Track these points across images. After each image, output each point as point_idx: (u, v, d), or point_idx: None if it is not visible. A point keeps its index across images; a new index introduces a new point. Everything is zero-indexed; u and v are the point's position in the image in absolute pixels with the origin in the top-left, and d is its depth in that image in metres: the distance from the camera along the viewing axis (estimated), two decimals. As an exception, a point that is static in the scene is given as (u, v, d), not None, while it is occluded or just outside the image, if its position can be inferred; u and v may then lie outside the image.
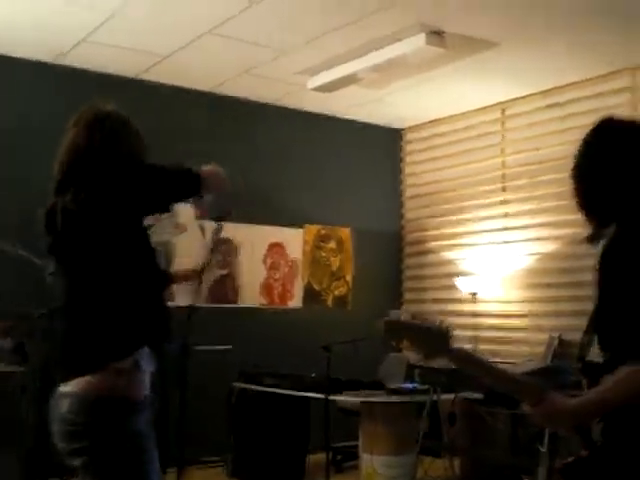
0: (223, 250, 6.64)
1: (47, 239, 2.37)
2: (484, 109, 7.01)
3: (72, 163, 2.39)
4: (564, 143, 6.03)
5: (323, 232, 7.33)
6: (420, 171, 7.74)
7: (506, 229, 6.80)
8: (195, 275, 2.81)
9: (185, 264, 3.54)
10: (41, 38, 5.50)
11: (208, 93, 6.67)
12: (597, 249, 1.94)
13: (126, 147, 2.47)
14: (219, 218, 2.72)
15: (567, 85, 6.28)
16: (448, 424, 5.53)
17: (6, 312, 4.73)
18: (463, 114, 7.20)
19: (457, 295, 6.91)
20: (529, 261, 6.57)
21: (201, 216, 2.81)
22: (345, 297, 7.40)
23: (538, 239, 6.50)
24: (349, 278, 7.45)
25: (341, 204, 7.42)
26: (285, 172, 7.09)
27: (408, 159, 7.89)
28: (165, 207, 2.51)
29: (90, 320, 2.28)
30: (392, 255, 7.75)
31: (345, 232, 7.45)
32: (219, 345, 5.88)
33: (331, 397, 5.27)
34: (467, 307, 6.74)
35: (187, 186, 2.46)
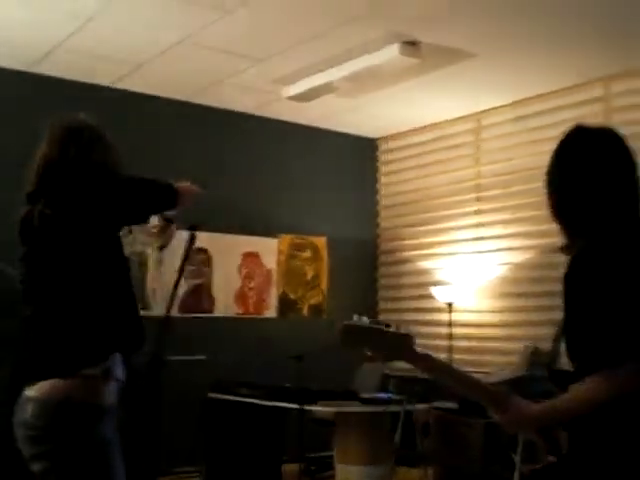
0: (198, 260, 6.61)
1: (22, 247, 2.36)
2: (459, 119, 7.05)
3: (46, 175, 2.39)
4: (537, 154, 6.06)
5: (298, 241, 7.32)
6: (395, 181, 7.76)
7: (480, 239, 6.84)
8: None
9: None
10: (14, 47, 5.46)
11: (183, 102, 6.65)
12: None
13: (101, 159, 2.48)
14: (192, 227, 2.73)
15: (541, 95, 6.33)
16: (422, 434, 5.53)
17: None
18: (438, 124, 7.24)
19: (433, 304, 6.93)
20: (503, 271, 6.61)
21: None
22: (320, 306, 7.39)
23: (512, 249, 6.55)
24: (324, 287, 7.44)
25: (316, 213, 7.42)
26: (260, 181, 7.07)
27: (383, 169, 7.91)
28: (143, 218, 2.58)
29: (62, 326, 2.28)
30: (367, 264, 7.76)
31: (320, 241, 7.45)
32: (193, 355, 5.84)
33: (306, 407, 5.26)
34: (443, 316, 6.76)
35: (164, 199, 2.54)
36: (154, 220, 2.74)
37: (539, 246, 6.25)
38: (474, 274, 6.80)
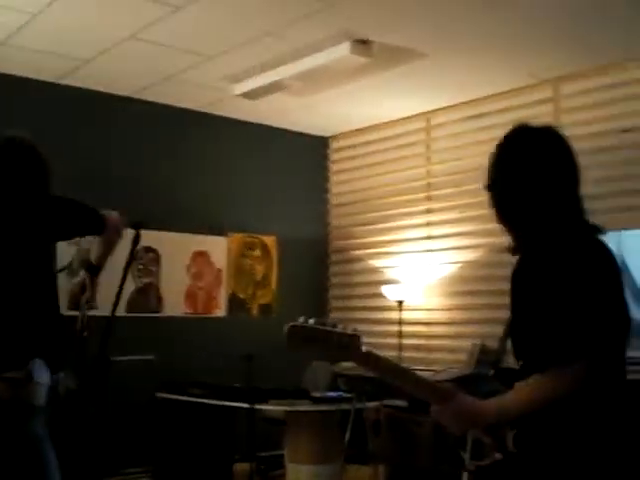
0: (146, 259, 6.53)
1: None
2: (409, 118, 7.08)
3: None
4: (487, 153, 6.09)
5: (248, 240, 7.28)
6: (346, 179, 7.77)
7: (430, 237, 6.89)
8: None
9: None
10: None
11: (131, 99, 6.56)
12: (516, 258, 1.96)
13: (29, 175, 2.54)
14: (136, 225, 2.74)
15: (491, 96, 6.39)
16: (373, 432, 5.55)
17: None
18: (389, 123, 7.26)
19: (383, 303, 6.95)
20: (452, 269, 6.67)
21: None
22: (270, 305, 7.36)
23: (461, 248, 6.60)
24: (274, 286, 7.42)
25: (266, 212, 7.39)
26: (209, 179, 7.02)
27: (334, 167, 7.92)
28: (67, 238, 2.69)
29: None
30: (318, 263, 7.75)
31: (270, 240, 7.42)
32: (142, 355, 5.77)
33: (256, 406, 5.24)
34: (393, 315, 6.79)
35: (92, 225, 2.70)
36: (79, 277, 2.83)
37: (488, 245, 6.32)
38: (424, 272, 6.85)
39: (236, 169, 7.21)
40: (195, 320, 6.83)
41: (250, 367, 5.17)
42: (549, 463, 1.82)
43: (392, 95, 6.49)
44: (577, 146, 2.03)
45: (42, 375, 2.41)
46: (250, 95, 6.21)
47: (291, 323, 1.80)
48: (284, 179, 7.52)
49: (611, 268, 1.86)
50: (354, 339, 1.82)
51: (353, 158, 7.69)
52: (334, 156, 7.92)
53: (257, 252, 7.34)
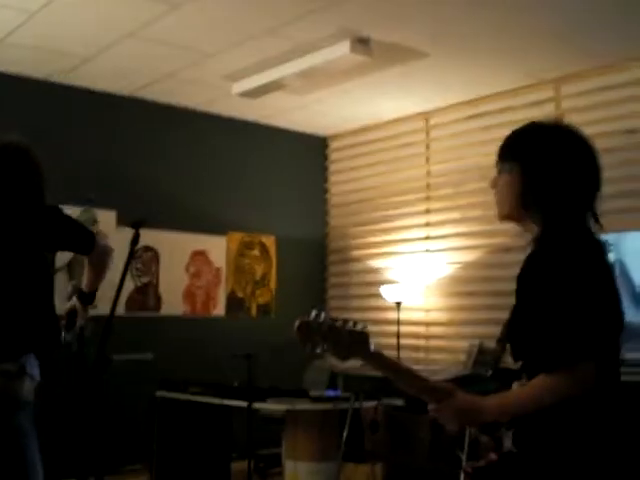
0: (145, 258, 6.53)
1: None
2: (409, 118, 7.08)
3: None
4: (487, 154, 6.08)
5: (247, 239, 7.28)
6: (345, 179, 7.77)
7: (429, 238, 6.89)
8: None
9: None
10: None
11: (130, 98, 6.55)
12: (520, 257, 1.95)
13: (23, 181, 2.61)
14: (136, 224, 2.74)
15: (491, 96, 6.38)
16: (370, 431, 5.56)
17: None
18: (388, 122, 7.26)
19: (381, 303, 6.95)
20: (451, 270, 6.68)
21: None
22: (269, 305, 7.37)
23: (460, 248, 6.60)
24: (273, 286, 7.42)
25: (265, 211, 7.39)
26: (209, 179, 7.02)
27: (333, 167, 7.92)
28: (52, 249, 2.73)
29: None
30: (316, 263, 7.76)
31: (269, 239, 7.42)
32: (141, 354, 5.77)
33: (254, 405, 5.24)
34: (391, 315, 6.79)
35: (80, 242, 2.68)
36: (71, 302, 2.85)
37: (487, 245, 6.33)
38: (423, 273, 6.85)
39: (235, 168, 7.21)
40: (194, 319, 6.83)
41: (249, 366, 5.17)
42: (548, 463, 1.82)
43: (391, 94, 6.49)
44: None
45: (34, 370, 2.47)
46: (249, 94, 6.21)
47: (302, 318, 1.81)
48: (283, 179, 7.52)
49: (609, 270, 1.88)
50: (363, 336, 1.84)
51: (352, 158, 7.69)
52: (333, 156, 7.92)
53: (256, 252, 7.34)
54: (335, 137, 7.87)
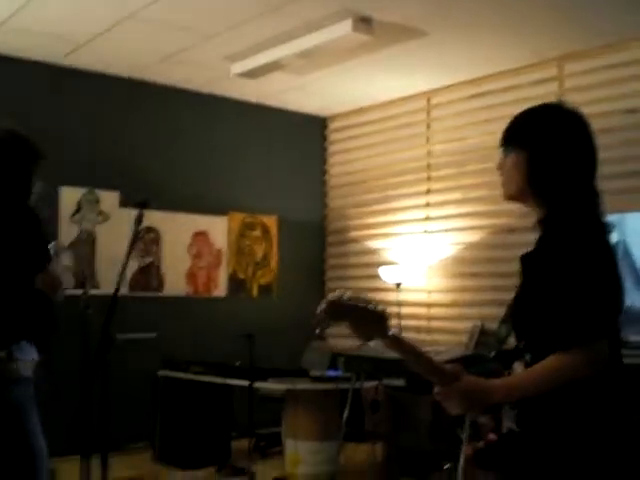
0: (147, 239, 6.54)
1: None
2: (409, 98, 7.04)
3: None
4: (490, 133, 6.09)
5: (248, 220, 7.28)
6: (345, 160, 7.75)
7: (430, 219, 6.87)
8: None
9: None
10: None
11: (131, 80, 6.53)
12: (525, 238, 1.96)
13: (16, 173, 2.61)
14: (141, 204, 2.74)
15: (493, 74, 6.34)
16: (371, 411, 5.59)
17: None
18: (388, 103, 7.23)
19: (381, 284, 6.95)
20: (453, 251, 6.67)
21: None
22: (270, 285, 7.38)
23: (462, 229, 6.58)
24: (274, 266, 7.43)
25: (266, 192, 7.39)
26: (210, 159, 7.01)
27: (333, 148, 7.89)
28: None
29: None
30: (316, 244, 7.76)
31: (270, 220, 7.42)
32: (144, 333, 5.80)
33: (255, 384, 5.27)
34: (391, 296, 6.80)
35: (35, 259, 2.61)
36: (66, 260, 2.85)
37: (490, 226, 6.31)
38: (423, 254, 6.85)
39: (236, 149, 7.20)
40: (196, 300, 6.85)
41: (250, 346, 5.20)
42: (553, 442, 1.83)
43: (392, 74, 6.46)
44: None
45: (26, 353, 2.53)
46: (249, 74, 6.18)
47: (328, 298, 1.86)
48: (283, 159, 7.51)
49: (614, 251, 1.90)
50: (384, 318, 1.88)
51: (352, 139, 7.67)
52: (332, 136, 7.89)
53: (257, 232, 7.34)
54: (335, 117, 7.84)
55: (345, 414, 5.00)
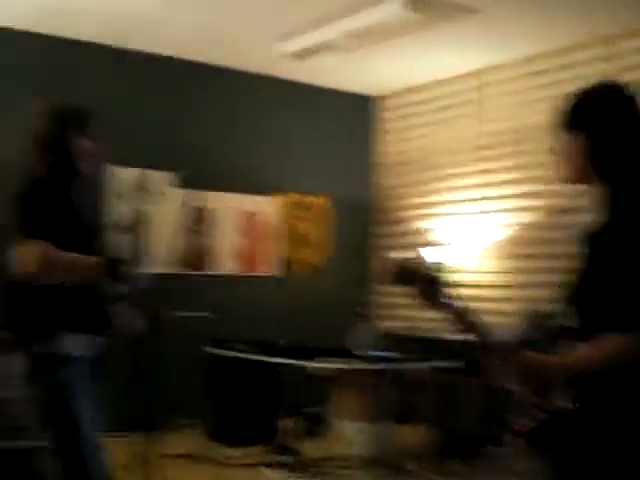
0: (197, 218, 6.59)
1: None
2: (462, 76, 6.94)
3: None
4: (543, 111, 5.99)
5: (298, 200, 7.28)
6: (396, 139, 7.69)
7: (483, 199, 6.78)
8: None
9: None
10: (18, 6, 5.35)
11: (183, 61, 6.56)
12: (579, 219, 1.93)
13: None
14: (190, 184, 2.82)
15: (546, 52, 6.22)
16: (418, 392, 5.57)
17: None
18: (440, 81, 7.14)
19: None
20: (506, 231, 6.57)
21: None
22: (319, 265, 7.39)
23: (517, 209, 6.48)
24: (323, 246, 7.43)
25: (316, 172, 7.38)
26: (260, 140, 7.02)
27: (384, 127, 7.83)
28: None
29: (20, 304, 2.55)
30: (367, 224, 7.73)
31: (320, 200, 7.41)
32: (195, 312, 5.86)
33: (304, 363, 5.29)
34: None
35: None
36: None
37: (545, 206, 6.21)
38: (476, 235, 6.77)
39: (286, 129, 7.19)
40: (244, 279, 6.88)
41: (298, 325, 5.21)
42: (613, 420, 1.82)
43: (443, 52, 6.37)
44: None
45: (75, 349, 2.53)
46: (300, 55, 6.16)
47: (392, 260, 1.87)
48: (334, 139, 7.49)
49: None
50: (443, 282, 1.90)
51: (402, 118, 7.60)
52: (384, 116, 7.83)
53: (307, 212, 7.34)
54: (385, 97, 7.78)
55: (392, 395, 5.00)
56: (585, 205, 2.01)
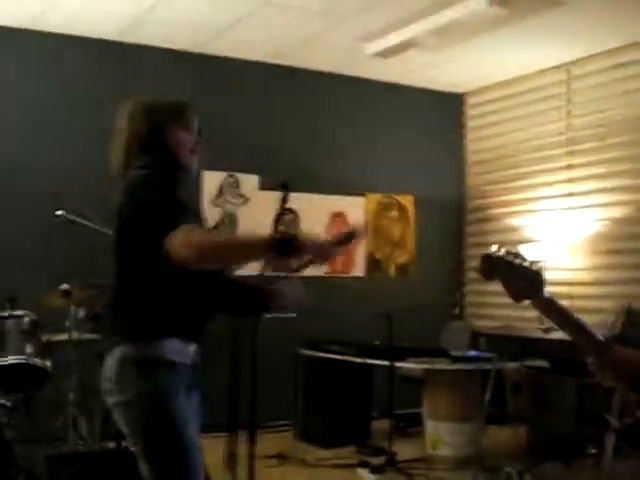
0: (286, 220, 6.67)
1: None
2: (548, 70, 6.81)
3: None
4: (634, 104, 5.84)
5: (385, 200, 7.28)
6: (482, 136, 7.61)
7: (572, 194, 6.64)
8: None
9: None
10: (101, 19, 5.55)
11: (266, 64, 6.65)
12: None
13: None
14: (284, 186, 2.74)
15: (635, 44, 6.04)
16: (513, 393, 5.49)
17: (83, 283, 4.85)
18: (526, 76, 7.02)
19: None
20: (596, 227, 6.41)
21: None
22: (407, 265, 7.36)
23: (606, 204, 6.32)
24: (411, 246, 7.40)
25: (403, 172, 7.36)
26: (346, 141, 7.05)
27: (470, 124, 7.76)
28: None
29: (121, 301, 2.44)
30: (454, 222, 7.67)
31: (407, 200, 7.39)
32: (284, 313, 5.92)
33: (396, 364, 5.29)
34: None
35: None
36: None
37: (635, 201, 6.03)
38: (566, 231, 6.63)
39: (371, 129, 7.20)
40: (334, 280, 6.92)
41: (390, 326, 5.21)
42: None
43: (529, 47, 6.26)
44: None
45: (173, 353, 2.40)
46: (383, 54, 6.17)
47: (486, 253, 1.81)
48: (419, 138, 7.45)
49: None
50: (538, 278, 1.81)
51: (489, 114, 7.51)
52: (470, 113, 7.75)
53: (394, 212, 7.34)
54: (471, 93, 7.70)
55: (487, 395, 4.93)
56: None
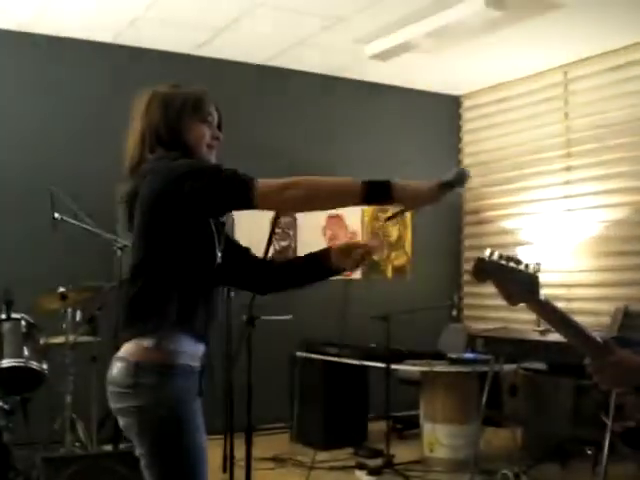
0: (283, 222, 6.67)
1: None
2: (545, 73, 6.82)
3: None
4: (632, 106, 5.85)
5: (383, 202, 7.28)
6: (479, 139, 7.61)
7: (570, 196, 6.64)
8: None
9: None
10: (96, 18, 5.55)
11: (262, 66, 6.66)
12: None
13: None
14: None
15: (632, 45, 6.04)
16: (510, 394, 5.49)
17: (79, 285, 4.85)
18: (523, 79, 7.03)
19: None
20: (594, 229, 6.42)
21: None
22: (404, 267, 7.37)
23: (605, 206, 6.32)
24: (408, 248, 7.41)
25: (399, 173, 7.23)
26: (342, 142, 7.05)
27: (467, 126, 7.76)
28: None
29: (132, 296, 2.28)
30: (452, 225, 7.67)
31: (404, 201, 7.38)
32: (280, 315, 5.92)
33: (392, 366, 5.29)
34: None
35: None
36: None
37: (633, 203, 6.04)
38: (564, 233, 6.63)
39: (367, 130, 7.21)
40: (331, 281, 6.88)
41: (387, 328, 5.21)
42: None
43: (526, 49, 6.27)
44: None
45: (180, 346, 2.28)
46: (381, 56, 6.17)
47: (479, 256, 1.80)
48: (416, 140, 7.46)
49: None
50: (534, 280, 1.80)
51: (486, 116, 7.52)
52: (466, 115, 7.76)
53: (391, 214, 7.32)
54: (468, 96, 7.70)
55: (484, 398, 4.94)
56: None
